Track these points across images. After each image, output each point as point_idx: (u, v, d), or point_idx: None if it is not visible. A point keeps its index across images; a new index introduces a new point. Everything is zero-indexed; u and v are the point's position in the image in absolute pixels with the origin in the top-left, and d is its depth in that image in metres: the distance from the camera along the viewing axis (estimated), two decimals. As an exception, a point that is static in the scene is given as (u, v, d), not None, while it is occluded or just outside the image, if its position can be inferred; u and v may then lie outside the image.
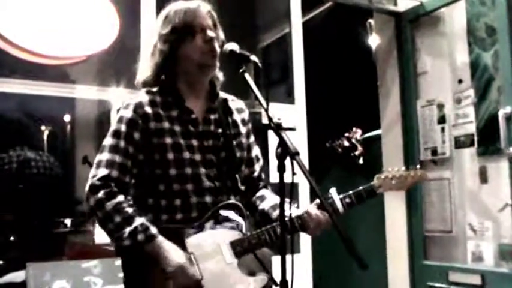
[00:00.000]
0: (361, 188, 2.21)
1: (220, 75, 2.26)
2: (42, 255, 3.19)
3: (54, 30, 3.14)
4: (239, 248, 2.06)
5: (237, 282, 2.04)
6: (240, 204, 2.14)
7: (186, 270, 1.94)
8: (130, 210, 1.97)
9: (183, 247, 2.00)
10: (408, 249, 4.26)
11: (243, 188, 2.27)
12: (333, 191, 2.16)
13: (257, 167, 2.36)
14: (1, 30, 3.05)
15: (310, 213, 2.10)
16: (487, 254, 3.72)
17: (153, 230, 1.96)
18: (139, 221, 1.95)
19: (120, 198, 1.99)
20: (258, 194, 2.32)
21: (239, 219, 2.13)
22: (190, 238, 2.02)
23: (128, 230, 1.93)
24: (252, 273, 2.10)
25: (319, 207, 2.12)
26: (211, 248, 2.03)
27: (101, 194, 1.97)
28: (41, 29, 3.10)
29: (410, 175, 2.30)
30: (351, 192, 2.19)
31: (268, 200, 2.27)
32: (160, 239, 1.96)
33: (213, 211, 2.08)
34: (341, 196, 2.17)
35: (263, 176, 2.39)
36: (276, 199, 2.18)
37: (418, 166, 2.44)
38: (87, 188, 2.01)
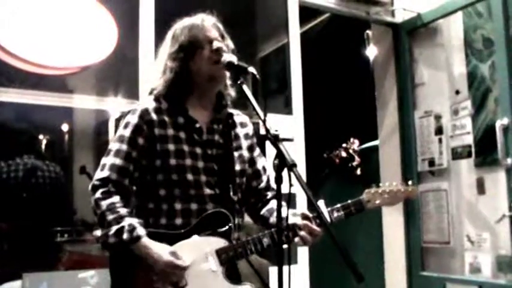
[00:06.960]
0: (349, 201, 2.21)
1: (232, 92, 2.27)
2: (39, 265, 3.17)
3: (52, 40, 3.14)
4: (224, 256, 2.08)
5: None
6: (228, 213, 2.13)
7: (174, 264, 1.96)
8: (122, 210, 2.01)
9: None
10: (406, 260, 4.26)
11: (252, 199, 2.32)
12: (321, 204, 2.14)
13: (264, 178, 2.38)
14: (-1, 40, 3.06)
15: (299, 225, 2.10)
16: (485, 265, 3.72)
17: (140, 231, 1.98)
18: (128, 221, 1.98)
19: (116, 198, 2.03)
20: (267, 207, 2.32)
21: (227, 227, 2.12)
22: (177, 244, 2.03)
23: (114, 228, 1.96)
24: (241, 281, 2.11)
25: (306, 217, 2.12)
26: (197, 255, 2.04)
27: (98, 193, 2.03)
28: (39, 39, 3.10)
29: (400, 191, 2.28)
30: (339, 205, 2.19)
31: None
32: (146, 240, 1.98)
33: (201, 218, 2.09)
34: (329, 209, 2.17)
35: (272, 185, 2.39)
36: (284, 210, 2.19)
37: (410, 182, 2.39)
38: (89, 188, 2.08)
